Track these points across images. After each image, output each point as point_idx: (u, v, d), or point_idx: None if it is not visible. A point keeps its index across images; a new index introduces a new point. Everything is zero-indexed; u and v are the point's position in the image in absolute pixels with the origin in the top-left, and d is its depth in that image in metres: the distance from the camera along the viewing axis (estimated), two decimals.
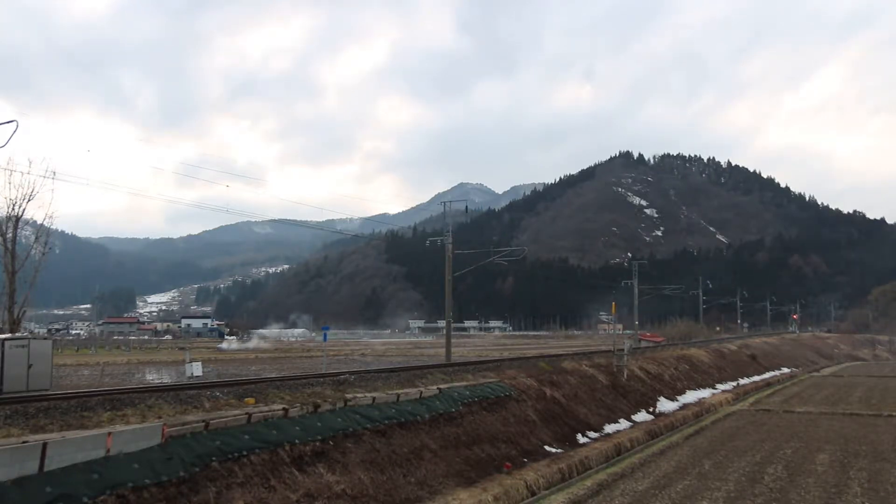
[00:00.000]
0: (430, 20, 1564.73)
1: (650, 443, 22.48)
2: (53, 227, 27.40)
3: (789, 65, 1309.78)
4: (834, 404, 32.34)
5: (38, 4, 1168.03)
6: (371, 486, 13.15)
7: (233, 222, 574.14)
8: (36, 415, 11.96)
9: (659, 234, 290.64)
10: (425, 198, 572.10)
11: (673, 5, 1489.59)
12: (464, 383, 21.41)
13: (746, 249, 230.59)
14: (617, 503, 14.33)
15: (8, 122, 17.11)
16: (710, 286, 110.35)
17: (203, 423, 12.12)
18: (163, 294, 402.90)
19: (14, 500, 8.58)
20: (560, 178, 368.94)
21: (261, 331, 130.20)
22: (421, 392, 18.77)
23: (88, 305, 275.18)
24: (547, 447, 19.67)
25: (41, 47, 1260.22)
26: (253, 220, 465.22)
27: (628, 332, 79.31)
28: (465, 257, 43.17)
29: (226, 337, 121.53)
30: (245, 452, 12.05)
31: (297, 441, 13.23)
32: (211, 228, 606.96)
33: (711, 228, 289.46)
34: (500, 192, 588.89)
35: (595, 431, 22.77)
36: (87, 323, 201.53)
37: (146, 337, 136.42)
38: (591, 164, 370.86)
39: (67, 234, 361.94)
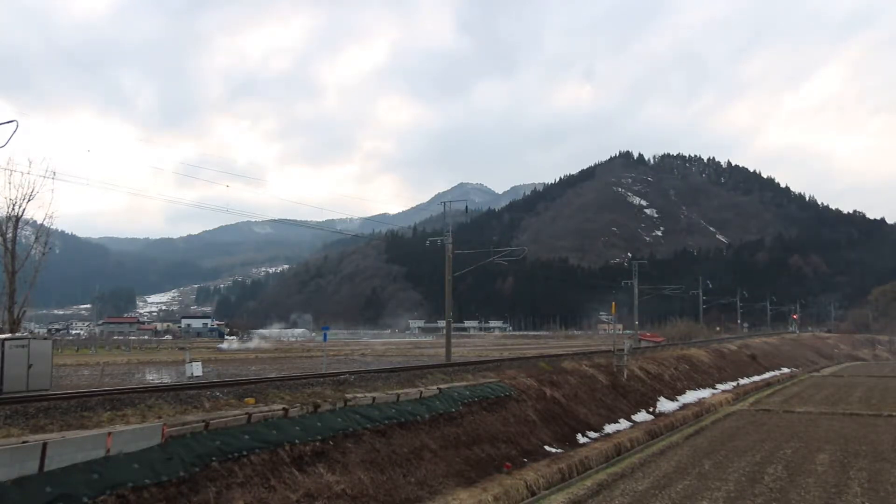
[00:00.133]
0: (430, 20, 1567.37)
1: (650, 443, 22.48)
2: (53, 227, 27.45)
3: (789, 65, 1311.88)
4: (834, 404, 32.34)
5: (37, 4, 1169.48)
6: (371, 486, 13.15)
7: (233, 222, 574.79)
8: (36, 415, 11.96)
9: (659, 234, 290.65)
10: (425, 198, 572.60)
11: (673, 5, 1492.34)
12: (464, 383, 21.41)
13: (746, 249, 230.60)
14: (617, 503, 14.33)
15: (8, 122, 17.11)
16: (710, 286, 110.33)
17: (203, 423, 12.12)
18: (163, 294, 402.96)
19: (14, 500, 8.58)
20: (560, 178, 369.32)
21: (261, 331, 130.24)
22: (421, 392, 18.77)
23: (88, 305, 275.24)
24: (547, 447, 19.67)
25: (41, 47, 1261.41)
26: (253, 220, 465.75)
27: (628, 332, 79.31)
28: (465, 257, 43.17)
29: (226, 337, 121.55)
30: (245, 452, 12.04)
31: (297, 441, 13.22)
32: (211, 228, 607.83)
33: (711, 228, 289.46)
34: (500, 192, 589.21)
35: (595, 431, 22.77)
36: (87, 323, 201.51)
37: (146, 337, 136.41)
38: (591, 164, 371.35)
39: (67, 234, 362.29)
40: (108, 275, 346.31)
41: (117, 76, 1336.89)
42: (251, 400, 14.89)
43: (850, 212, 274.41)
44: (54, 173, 25.63)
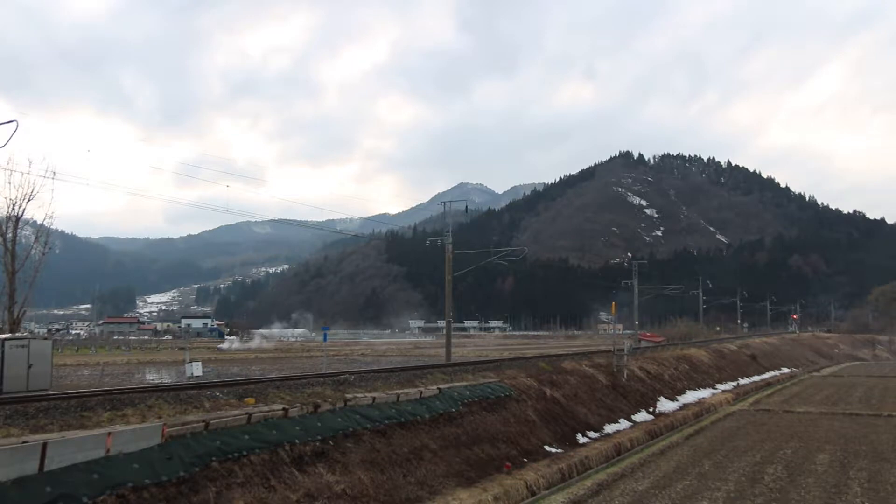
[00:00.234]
0: (431, 19, 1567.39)
1: (650, 443, 22.49)
2: (53, 227, 27.38)
3: (790, 64, 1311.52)
4: (834, 404, 32.34)
5: (37, 4, 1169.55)
6: (371, 486, 13.16)
7: (233, 222, 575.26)
8: (36, 415, 11.95)
9: (659, 234, 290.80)
10: (425, 198, 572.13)
11: (674, 4, 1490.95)
12: (464, 383, 21.41)
13: (746, 249, 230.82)
14: (617, 503, 14.33)
15: (8, 122, 17.10)
16: (710, 286, 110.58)
17: (203, 423, 12.12)
18: (163, 294, 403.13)
19: (14, 500, 8.58)
20: (560, 178, 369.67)
21: (261, 331, 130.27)
22: (421, 392, 18.77)
23: (88, 305, 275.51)
24: (547, 447, 19.67)
25: (40, 46, 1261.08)
26: (253, 220, 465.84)
27: (628, 332, 79.34)
28: (465, 257, 43.19)
29: (226, 337, 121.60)
30: (245, 452, 12.04)
31: (297, 441, 13.22)
32: (211, 228, 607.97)
33: (711, 228, 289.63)
34: (500, 192, 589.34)
35: (595, 431, 22.77)
36: (87, 323, 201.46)
37: (146, 337, 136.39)
38: (592, 164, 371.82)
39: (67, 234, 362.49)
40: (108, 275, 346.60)
41: (117, 75, 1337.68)
42: (251, 400, 14.89)
43: (850, 212, 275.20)
44: (54, 173, 25.60)
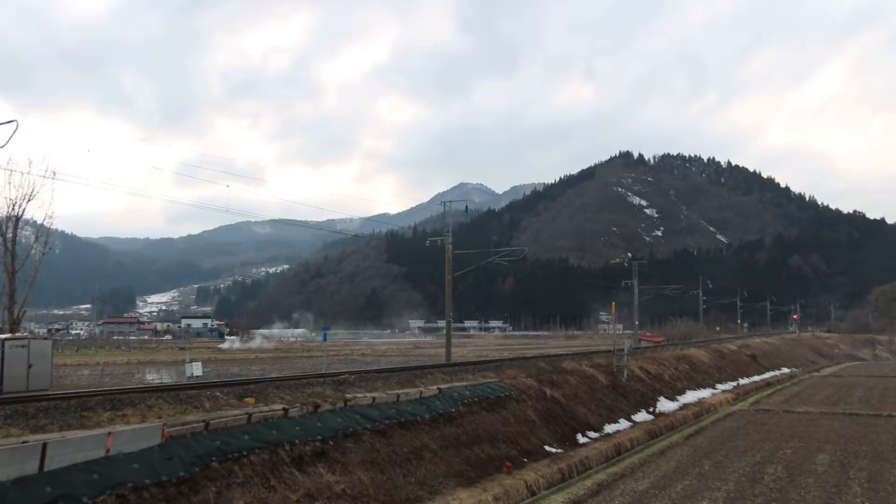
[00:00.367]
0: (431, 19, 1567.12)
1: (650, 443, 22.49)
2: (53, 227, 27.37)
3: (790, 64, 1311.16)
4: (834, 404, 32.34)
5: (37, 4, 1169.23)
6: (371, 486, 13.16)
7: (233, 222, 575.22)
8: (36, 415, 11.95)
9: (659, 234, 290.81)
10: (425, 198, 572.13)
11: (674, 4, 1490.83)
12: (464, 383, 21.41)
13: (746, 249, 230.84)
14: (617, 503, 14.33)
15: (8, 122, 17.10)
16: (710, 286, 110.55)
17: (203, 423, 12.12)
18: (163, 294, 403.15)
19: (14, 500, 8.58)
20: (560, 178, 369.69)
21: (261, 331, 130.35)
22: (421, 392, 18.76)
23: (88, 305, 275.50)
24: (547, 447, 19.67)
25: (40, 46, 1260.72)
26: (253, 219, 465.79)
27: (628, 332, 79.34)
28: (465, 257, 43.19)
29: (226, 337, 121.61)
30: (245, 452, 12.04)
31: (297, 441, 13.22)
32: (211, 228, 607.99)
33: (711, 228, 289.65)
34: (500, 192, 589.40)
35: (595, 431, 22.77)
36: (87, 323, 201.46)
37: (146, 337, 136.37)
38: (592, 164, 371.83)
39: (67, 234, 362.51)
40: (108, 275, 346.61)
41: (117, 75, 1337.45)
42: (251, 400, 14.89)
43: (850, 212, 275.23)
44: (54, 173, 25.59)
